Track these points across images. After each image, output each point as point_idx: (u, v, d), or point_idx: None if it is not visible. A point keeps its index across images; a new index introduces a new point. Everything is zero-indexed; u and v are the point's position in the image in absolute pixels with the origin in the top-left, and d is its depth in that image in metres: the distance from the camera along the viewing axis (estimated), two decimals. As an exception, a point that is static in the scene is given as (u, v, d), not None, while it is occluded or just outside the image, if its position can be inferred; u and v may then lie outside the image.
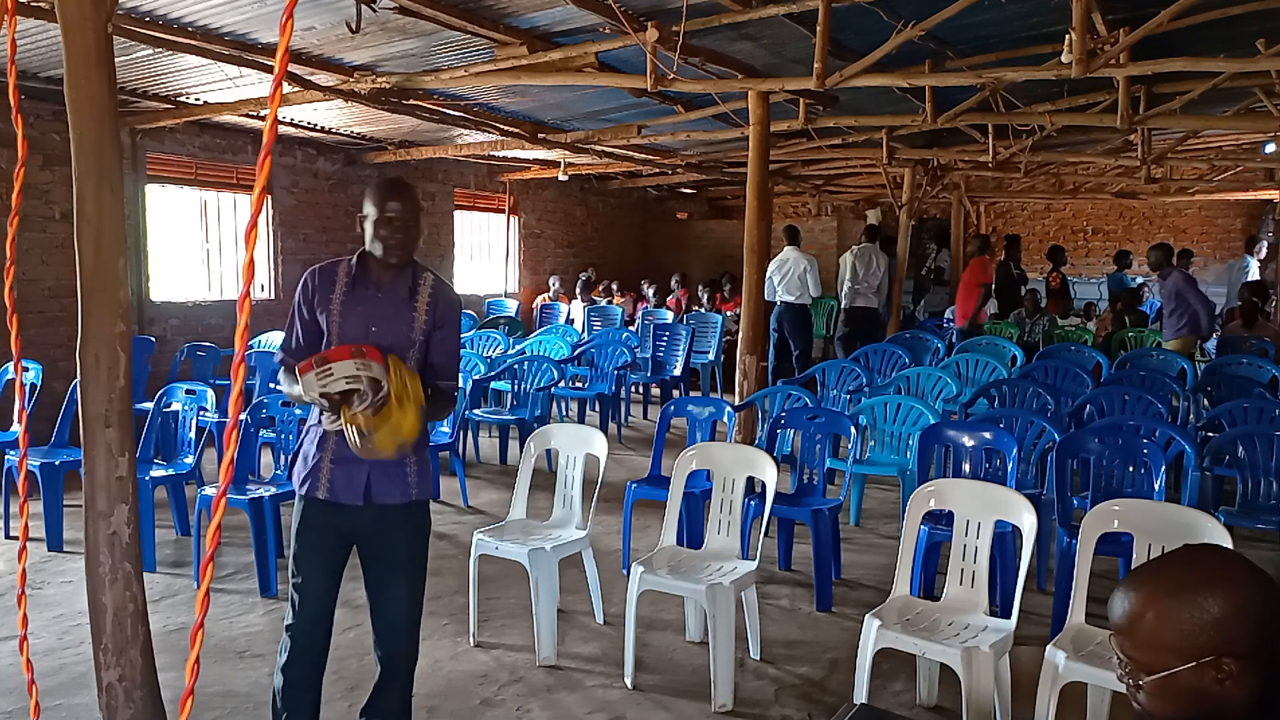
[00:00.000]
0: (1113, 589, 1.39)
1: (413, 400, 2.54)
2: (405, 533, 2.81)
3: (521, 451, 4.42)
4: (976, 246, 10.69)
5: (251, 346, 7.92)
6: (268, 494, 4.68)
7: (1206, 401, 6.56)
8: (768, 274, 9.06)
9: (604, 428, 6.66)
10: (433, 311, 2.77)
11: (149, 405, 5.46)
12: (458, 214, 12.07)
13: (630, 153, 10.36)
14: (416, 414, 2.56)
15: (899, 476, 5.48)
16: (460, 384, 2.89)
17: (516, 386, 7.61)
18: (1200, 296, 8.21)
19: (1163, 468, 4.17)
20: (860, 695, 3.14)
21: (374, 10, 5.07)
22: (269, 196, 9.49)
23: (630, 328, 11.00)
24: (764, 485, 3.92)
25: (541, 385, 7.41)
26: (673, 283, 13.10)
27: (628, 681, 3.69)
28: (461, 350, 3.11)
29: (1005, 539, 3.99)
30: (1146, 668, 1.32)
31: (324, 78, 6.56)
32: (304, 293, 2.80)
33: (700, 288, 12.75)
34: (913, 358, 7.88)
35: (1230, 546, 2.87)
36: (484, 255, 12.92)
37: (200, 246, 9.23)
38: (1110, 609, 1.38)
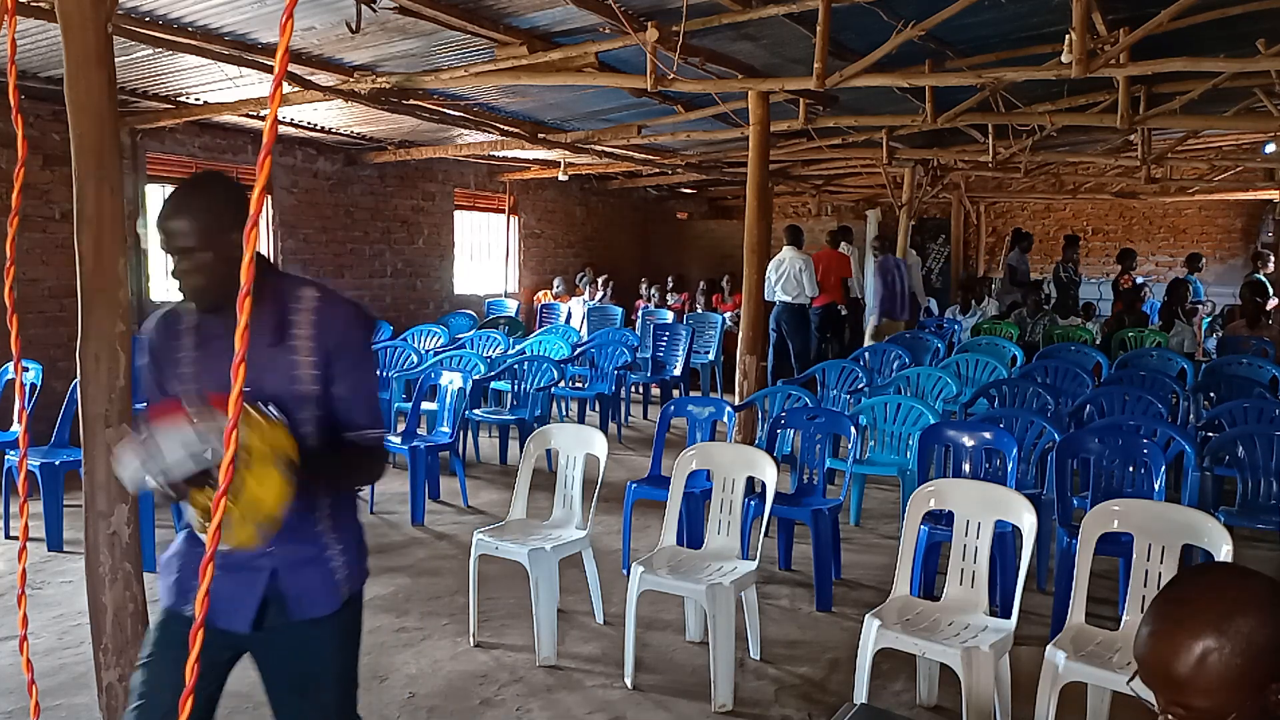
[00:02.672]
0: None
1: (272, 458, 1.74)
2: (329, 646, 2.00)
3: (521, 451, 4.42)
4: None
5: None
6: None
7: (1206, 401, 6.56)
8: (766, 274, 9.03)
9: (604, 428, 6.65)
10: (320, 340, 1.92)
11: (149, 405, 5.45)
12: (458, 214, 12.06)
13: (630, 153, 10.35)
14: (281, 478, 1.73)
15: (899, 476, 5.48)
16: (383, 428, 2.03)
17: (516, 386, 7.61)
18: (883, 285, 9.32)
19: (1163, 468, 4.16)
20: (860, 695, 3.14)
21: (374, 10, 5.07)
22: (269, 196, 9.48)
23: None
24: (764, 485, 3.92)
25: (541, 385, 7.41)
26: (668, 285, 13.07)
27: (628, 681, 3.69)
28: (378, 381, 2.29)
29: (1005, 539, 3.98)
30: (1207, 714, 1.25)
31: (324, 78, 6.56)
32: (145, 352, 2.01)
33: (698, 290, 12.72)
34: (913, 358, 7.88)
35: (1229, 558, 2.86)
36: (484, 255, 12.93)
37: (200, 246, 9.23)
38: (1149, 667, 1.28)
